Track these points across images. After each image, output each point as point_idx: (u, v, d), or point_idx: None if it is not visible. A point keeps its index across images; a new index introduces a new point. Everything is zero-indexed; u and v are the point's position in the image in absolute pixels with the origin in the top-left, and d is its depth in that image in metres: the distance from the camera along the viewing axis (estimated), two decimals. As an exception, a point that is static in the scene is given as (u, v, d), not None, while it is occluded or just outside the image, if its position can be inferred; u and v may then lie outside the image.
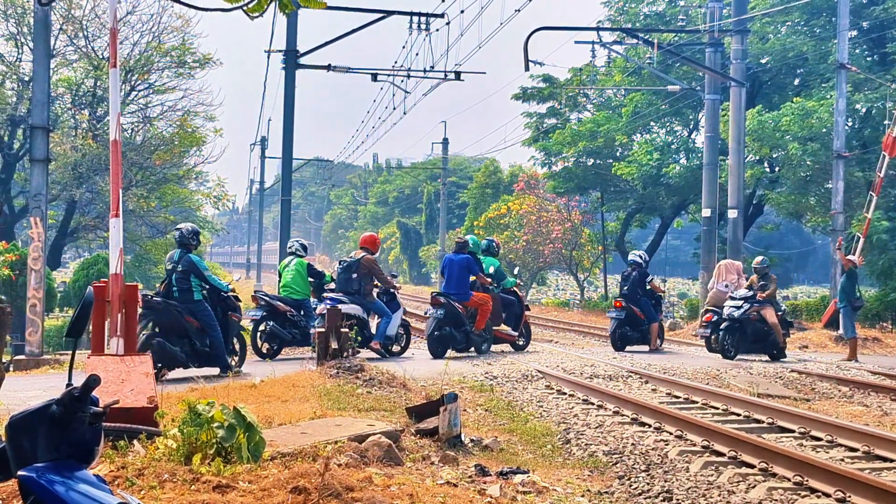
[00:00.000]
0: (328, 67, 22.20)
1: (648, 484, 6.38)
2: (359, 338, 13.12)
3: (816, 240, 49.78)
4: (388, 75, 23.65)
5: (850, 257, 16.80)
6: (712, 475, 6.69)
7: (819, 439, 8.11)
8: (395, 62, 23.65)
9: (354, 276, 13.49)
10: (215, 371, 11.01)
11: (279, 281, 14.56)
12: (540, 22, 25.94)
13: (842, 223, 22.87)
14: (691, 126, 34.52)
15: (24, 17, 25.04)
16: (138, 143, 27.43)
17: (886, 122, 22.34)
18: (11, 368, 12.02)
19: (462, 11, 20.63)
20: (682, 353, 16.58)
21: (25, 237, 20.04)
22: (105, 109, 25.31)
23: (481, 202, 49.59)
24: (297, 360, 12.43)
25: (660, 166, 30.79)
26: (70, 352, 2.60)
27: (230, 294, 11.53)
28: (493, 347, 15.12)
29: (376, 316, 13.80)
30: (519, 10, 18.65)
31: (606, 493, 6.12)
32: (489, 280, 14.55)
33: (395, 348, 14.03)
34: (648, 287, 16.14)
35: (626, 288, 16.31)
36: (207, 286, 11.13)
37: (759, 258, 16.47)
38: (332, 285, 13.90)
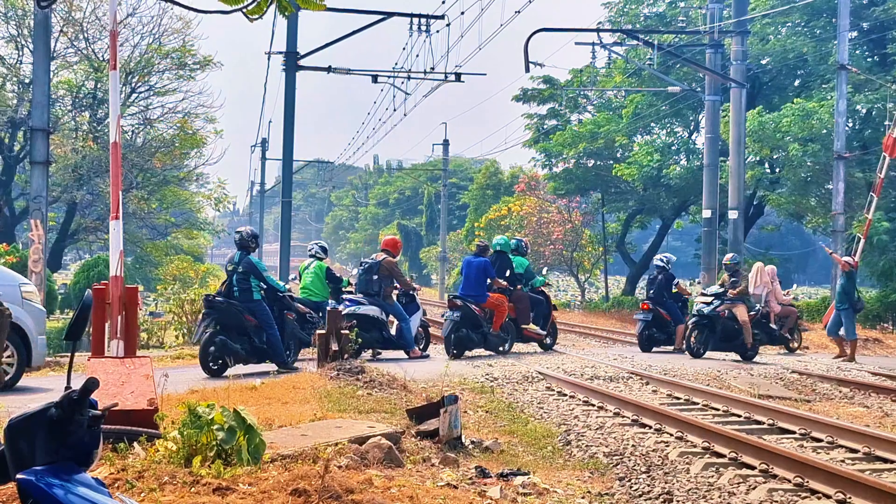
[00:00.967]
0: (328, 69, 22.22)
1: (649, 485, 6.37)
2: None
3: (817, 241, 49.75)
4: (389, 77, 23.67)
5: (846, 259, 16.72)
6: (713, 476, 6.68)
7: (820, 440, 8.11)
8: (396, 64, 23.68)
9: (375, 277, 13.69)
10: (272, 367, 11.36)
11: (299, 283, 14.69)
12: (540, 23, 25.92)
13: (842, 224, 22.85)
14: (692, 127, 34.53)
15: (25, 19, 25.07)
16: (139, 145, 27.47)
17: (887, 122, 22.32)
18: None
19: (462, 13, 20.65)
20: (684, 354, 16.56)
21: (26, 239, 20.05)
22: (105, 111, 25.32)
23: (482, 203, 49.61)
24: (313, 361, 12.55)
25: (660, 167, 30.79)
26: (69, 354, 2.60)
27: (286, 294, 12.06)
28: (522, 347, 15.48)
29: (395, 318, 13.95)
30: (519, 12, 18.66)
31: (607, 494, 6.12)
32: (504, 283, 14.73)
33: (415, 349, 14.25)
34: (675, 290, 16.34)
35: (652, 291, 16.55)
36: (265, 286, 11.58)
37: (730, 255, 16.31)
38: (350, 288, 14.15)
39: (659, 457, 7.31)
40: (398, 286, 14.03)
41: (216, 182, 32.53)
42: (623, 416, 9.08)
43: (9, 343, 9.39)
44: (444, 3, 20.26)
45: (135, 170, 26.05)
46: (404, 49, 22.09)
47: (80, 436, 2.35)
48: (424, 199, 67.00)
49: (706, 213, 23.39)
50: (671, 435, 8.09)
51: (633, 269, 37.74)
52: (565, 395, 10.58)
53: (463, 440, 7.16)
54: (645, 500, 6.07)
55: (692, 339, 15.05)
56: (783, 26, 29.88)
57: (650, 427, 8.47)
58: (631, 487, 6.33)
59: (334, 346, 10.75)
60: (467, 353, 14.32)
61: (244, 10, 4.44)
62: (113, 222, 7.36)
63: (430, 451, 6.71)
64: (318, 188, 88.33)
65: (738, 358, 15.07)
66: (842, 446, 7.86)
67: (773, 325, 16.64)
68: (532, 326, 15.13)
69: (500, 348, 14.60)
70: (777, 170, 29.54)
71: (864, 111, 27.81)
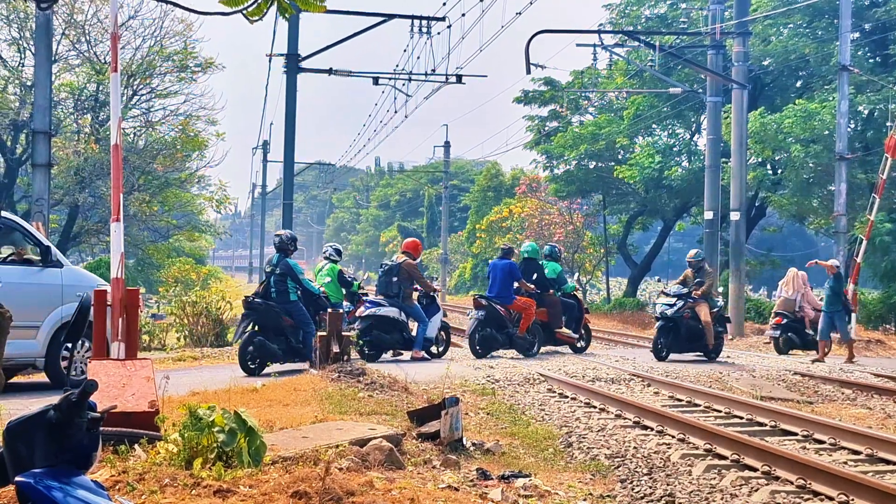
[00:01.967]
0: (329, 71, 22.22)
1: (651, 487, 6.36)
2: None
3: (819, 242, 49.72)
4: (390, 78, 23.69)
5: (832, 262, 16.72)
6: (715, 479, 6.67)
7: (822, 442, 8.09)
8: (397, 65, 23.70)
9: (395, 279, 13.84)
10: (305, 365, 11.65)
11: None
12: (541, 25, 25.98)
13: (844, 225, 22.82)
14: (693, 128, 34.51)
15: (27, 21, 25.07)
16: (141, 148, 27.46)
17: (889, 123, 22.31)
18: None
19: (463, 15, 20.68)
20: (685, 355, 16.55)
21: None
22: (107, 114, 25.33)
23: (483, 205, 49.62)
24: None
25: (662, 169, 30.78)
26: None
27: (321, 296, 12.46)
28: (553, 349, 15.79)
29: (415, 319, 14.05)
30: (520, 13, 18.66)
31: (609, 496, 6.10)
32: (532, 287, 14.96)
33: (436, 350, 14.34)
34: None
35: None
36: (301, 288, 11.94)
37: (694, 251, 16.15)
38: (363, 290, 14.39)
39: (661, 459, 7.29)
40: (419, 288, 14.13)
41: (218, 184, 32.46)
42: (625, 418, 9.07)
43: (89, 342, 9.67)
44: (444, 4, 20.26)
45: (136, 172, 26.05)
46: (405, 51, 22.11)
47: (78, 438, 2.35)
48: (425, 200, 67.00)
49: (708, 215, 23.38)
50: (673, 437, 8.07)
51: (635, 270, 37.71)
52: (567, 396, 10.56)
53: (464, 442, 7.15)
54: (647, 502, 6.06)
55: (658, 341, 14.89)
56: (785, 27, 29.85)
57: (652, 429, 8.46)
58: (633, 489, 6.32)
59: (335, 348, 10.75)
60: (493, 353, 14.62)
61: (244, 12, 4.44)
62: (114, 225, 7.35)
63: (432, 453, 6.71)
64: (320, 190, 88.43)
65: (748, 360, 15.09)
66: (844, 448, 7.85)
67: (808, 331, 16.71)
68: (565, 330, 15.42)
69: (528, 351, 14.80)
70: (779, 171, 29.51)
71: (866, 112, 27.78)
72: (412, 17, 21.33)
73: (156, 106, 28.74)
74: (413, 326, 14.04)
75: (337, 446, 6.02)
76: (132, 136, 27.80)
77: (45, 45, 15.80)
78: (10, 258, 10.23)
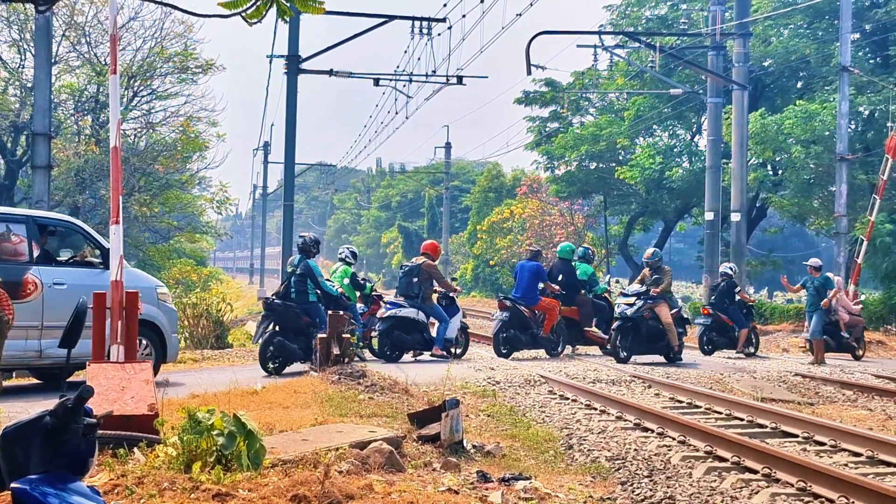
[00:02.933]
0: (330, 72, 22.23)
1: (651, 490, 6.34)
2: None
3: (820, 243, 49.67)
4: (391, 80, 23.70)
5: (812, 261, 16.80)
6: (715, 481, 6.65)
7: (823, 444, 8.07)
8: (398, 67, 23.69)
9: (415, 280, 13.90)
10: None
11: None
12: (542, 26, 25.94)
13: (845, 226, 22.81)
14: (694, 129, 34.50)
15: (27, 23, 25.07)
16: (141, 149, 27.44)
17: (890, 124, 22.30)
18: (14, 375, 12.03)
19: (464, 16, 20.76)
20: (685, 356, 16.53)
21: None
22: (108, 115, 25.31)
23: (484, 206, 49.59)
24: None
25: (662, 170, 30.77)
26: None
27: (340, 297, 12.62)
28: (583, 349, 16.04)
29: (435, 321, 14.08)
30: (520, 15, 18.65)
31: (609, 499, 6.09)
32: (557, 288, 15.09)
33: (456, 350, 14.36)
34: (738, 297, 16.63)
35: (713, 297, 17.23)
36: (320, 290, 12.13)
37: (651, 250, 16.11)
38: (376, 291, 14.58)
39: (661, 461, 7.28)
40: (438, 288, 14.19)
41: (219, 185, 32.45)
42: (625, 420, 9.05)
43: (146, 339, 10.14)
44: (445, 6, 20.26)
45: (137, 174, 26.04)
46: (406, 52, 22.11)
47: (75, 444, 2.33)
48: (426, 201, 66.96)
49: (708, 216, 23.37)
50: (673, 439, 8.06)
51: (636, 271, 37.67)
52: (567, 398, 10.54)
53: (464, 444, 7.14)
54: (647, 504, 6.05)
55: (617, 342, 14.49)
56: (785, 28, 29.85)
57: (652, 431, 8.45)
58: (633, 492, 6.30)
59: (336, 350, 10.73)
60: (516, 353, 14.76)
61: (243, 15, 4.43)
62: (113, 227, 7.34)
63: (432, 456, 6.69)
64: (321, 191, 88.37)
65: (735, 358, 15.04)
66: (845, 450, 7.83)
67: (844, 334, 16.73)
68: (594, 329, 15.52)
69: (553, 350, 14.95)
70: (780, 172, 29.50)
71: (866, 113, 27.77)
72: (412, 19, 21.34)
73: (156, 107, 28.77)
74: (433, 329, 14.11)
75: (337, 449, 6.01)
76: (133, 137, 27.80)
77: (45, 46, 15.81)
78: (72, 260, 10.52)
